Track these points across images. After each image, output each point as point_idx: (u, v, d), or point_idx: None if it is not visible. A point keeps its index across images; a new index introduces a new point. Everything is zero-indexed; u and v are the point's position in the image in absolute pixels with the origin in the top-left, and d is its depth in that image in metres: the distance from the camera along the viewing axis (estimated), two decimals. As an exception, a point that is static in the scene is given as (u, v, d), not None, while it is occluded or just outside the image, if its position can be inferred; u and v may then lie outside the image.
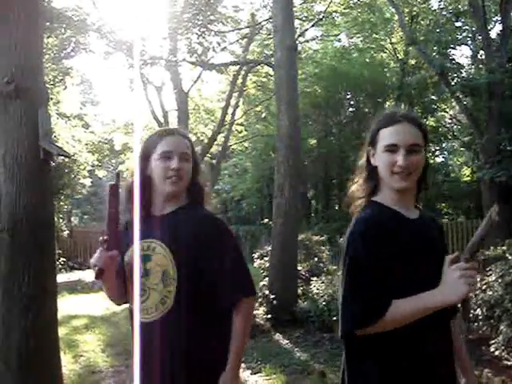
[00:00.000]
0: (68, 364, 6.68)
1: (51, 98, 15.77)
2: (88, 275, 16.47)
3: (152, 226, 2.28)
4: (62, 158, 12.60)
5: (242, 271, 2.39)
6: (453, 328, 2.20)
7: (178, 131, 2.43)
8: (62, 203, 18.74)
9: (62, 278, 14.27)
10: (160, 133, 2.41)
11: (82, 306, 10.85)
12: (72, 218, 32.61)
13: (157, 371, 2.18)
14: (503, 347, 5.96)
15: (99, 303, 10.78)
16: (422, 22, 19.85)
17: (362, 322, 1.93)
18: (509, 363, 5.90)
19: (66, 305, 10.26)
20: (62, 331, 7.06)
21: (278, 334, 8.30)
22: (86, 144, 20.00)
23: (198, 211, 2.39)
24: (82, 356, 7.33)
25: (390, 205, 2.10)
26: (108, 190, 2.17)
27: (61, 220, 19.70)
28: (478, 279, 6.88)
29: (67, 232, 19.94)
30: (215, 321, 2.29)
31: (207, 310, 2.28)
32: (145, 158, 2.33)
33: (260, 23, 18.12)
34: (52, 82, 16.08)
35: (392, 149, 2.04)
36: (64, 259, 18.21)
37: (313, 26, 18.29)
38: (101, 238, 2.15)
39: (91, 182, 21.83)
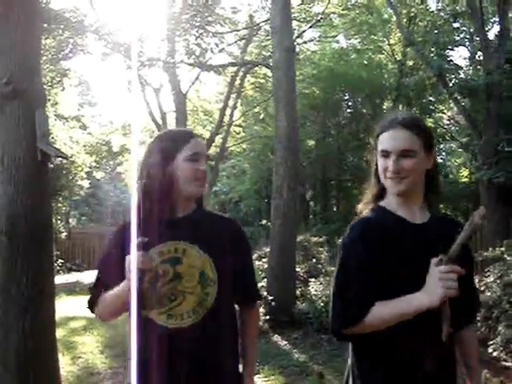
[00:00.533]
0: (66, 366, 6.68)
1: (49, 100, 15.78)
2: (86, 276, 16.43)
3: (173, 227, 2.19)
4: (60, 159, 12.60)
5: (254, 274, 2.46)
6: (467, 335, 2.21)
7: (197, 134, 2.38)
8: (59, 205, 18.74)
9: (60, 279, 14.26)
10: (183, 134, 2.31)
11: (80, 308, 10.73)
12: (70, 220, 32.60)
13: (188, 377, 2.11)
14: (501, 348, 5.96)
15: (97, 305, 10.74)
16: (419, 24, 19.86)
17: (342, 323, 1.98)
18: (507, 364, 5.91)
19: (64, 306, 10.23)
20: (60, 333, 7.05)
21: (276, 335, 8.29)
22: (84, 145, 20.01)
23: (211, 214, 2.40)
24: (80, 358, 7.32)
25: (394, 209, 2.12)
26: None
27: (59, 221, 19.68)
28: (477, 280, 6.90)
29: (65, 233, 19.93)
30: (232, 322, 2.31)
31: (232, 312, 2.32)
32: (168, 158, 2.20)
33: (258, 24, 18.11)
34: (50, 84, 16.10)
35: (385, 154, 2.06)
36: (62, 261, 18.21)
37: (311, 27, 18.32)
38: (140, 238, 2.03)
39: (89, 184, 21.85)
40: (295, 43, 11.78)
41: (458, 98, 13.93)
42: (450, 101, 16.09)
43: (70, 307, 10.71)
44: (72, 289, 13.93)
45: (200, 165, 2.22)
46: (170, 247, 2.17)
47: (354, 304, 1.95)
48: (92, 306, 2.33)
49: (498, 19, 14.61)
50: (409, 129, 2.05)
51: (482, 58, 14.92)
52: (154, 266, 2.11)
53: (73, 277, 16.91)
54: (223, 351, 2.21)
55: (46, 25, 11.83)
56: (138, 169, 2.24)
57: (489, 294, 6.57)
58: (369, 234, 2.03)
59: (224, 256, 2.22)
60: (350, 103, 23.28)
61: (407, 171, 2.02)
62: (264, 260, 11.03)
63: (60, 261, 17.64)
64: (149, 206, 2.14)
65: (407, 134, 2.04)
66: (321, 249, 13.13)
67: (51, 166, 4.63)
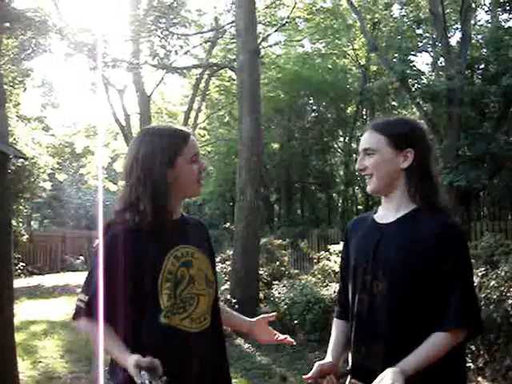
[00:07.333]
0: (26, 370, 6.56)
1: (10, 100, 15.54)
2: (47, 280, 16.26)
3: (177, 230, 2.17)
4: (22, 160, 12.41)
5: None
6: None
7: (191, 132, 2.30)
8: (21, 207, 18.45)
9: (21, 282, 14.06)
10: (182, 135, 2.20)
11: (41, 312, 10.67)
12: (32, 222, 32.14)
13: (214, 375, 2.16)
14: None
15: (59, 308, 10.63)
16: (383, 29, 20.13)
17: None
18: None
19: (24, 310, 10.09)
20: (20, 337, 6.94)
21: (239, 338, 8.28)
22: (47, 147, 19.74)
23: (189, 216, 2.41)
24: (40, 362, 7.20)
25: (379, 209, 2.20)
26: None
27: (20, 224, 19.40)
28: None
29: (26, 236, 19.65)
30: None
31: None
32: (170, 162, 2.10)
33: (223, 27, 18.12)
34: (11, 84, 15.85)
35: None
36: (23, 264, 17.96)
37: (276, 30, 18.39)
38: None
39: (51, 186, 21.55)
40: (260, 47, 11.80)
41: (421, 102, 14.09)
42: (413, 106, 16.27)
43: (30, 311, 10.57)
44: (33, 292, 13.74)
45: (201, 164, 2.21)
46: (183, 250, 2.15)
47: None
48: (78, 317, 2.06)
49: (460, 26, 14.84)
50: (375, 129, 2.12)
51: (444, 63, 15.12)
52: (174, 271, 2.10)
53: (34, 280, 16.70)
54: (225, 347, 2.32)
55: (7, 24, 11.64)
56: (131, 170, 2.10)
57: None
58: (348, 232, 2.30)
59: (213, 257, 2.32)
60: (314, 107, 23.44)
61: (369, 169, 2.09)
62: (228, 263, 11.02)
63: (21, 264, 17.41)
64: (154, 210, 2.06)
65: (371, 135, 2.12)
66: (284, 251, 13.18)
67: (12, 167, 4.55)
